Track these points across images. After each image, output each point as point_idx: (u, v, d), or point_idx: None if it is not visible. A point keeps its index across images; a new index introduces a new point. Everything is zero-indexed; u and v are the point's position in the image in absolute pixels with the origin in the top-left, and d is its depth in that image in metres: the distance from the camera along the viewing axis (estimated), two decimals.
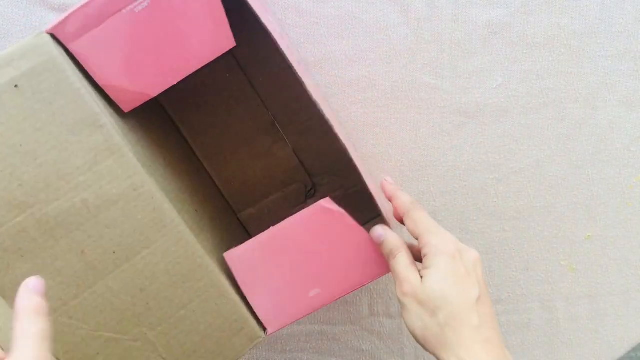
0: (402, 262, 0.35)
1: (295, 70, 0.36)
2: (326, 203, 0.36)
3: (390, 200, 0.39)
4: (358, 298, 0.52)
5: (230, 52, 0.47)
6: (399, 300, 0.35)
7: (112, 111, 0.35)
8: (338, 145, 0.37)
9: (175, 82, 0.36)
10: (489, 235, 0.52)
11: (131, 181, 0.34)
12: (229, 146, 0.50)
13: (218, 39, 0.35)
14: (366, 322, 0.53)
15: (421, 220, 0.36)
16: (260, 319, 0.38)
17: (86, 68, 0.34)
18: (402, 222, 0.39)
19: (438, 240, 0.34)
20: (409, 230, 0.36)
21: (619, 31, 0.48)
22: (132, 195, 0.34)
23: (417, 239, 0.36)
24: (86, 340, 0.35)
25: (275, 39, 0.34)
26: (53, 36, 0.33)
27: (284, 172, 0.51)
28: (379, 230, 0.37)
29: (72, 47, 0.33)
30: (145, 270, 0.35)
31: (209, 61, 0.36)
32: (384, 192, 0.39)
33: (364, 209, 0.49)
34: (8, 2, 0.45)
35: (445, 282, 0.33)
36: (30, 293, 0.28)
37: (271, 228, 0.37)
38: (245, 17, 0.38)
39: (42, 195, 0.33)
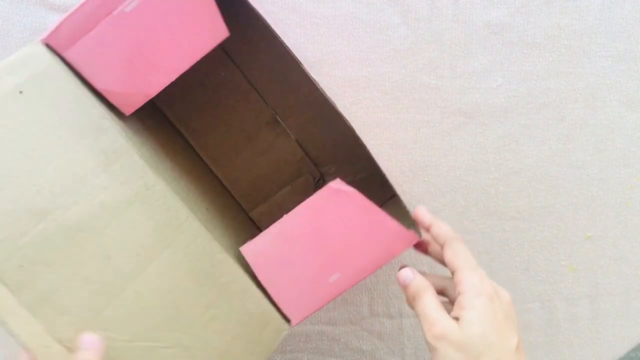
0: (430, 303, 0.33)
1: (291, 52, 0.35)
2: (336, 184, 0.35)
3: (427, 228, 0.37)
4: (358, 298, 0.52)
5: (223, 50, 0.47)
6: (429, 344, 0.32)
7: (114, 115, 0.35)
8: (343, 131, 0.36)
9: (174, 79, 0.35)
10: (489, 235, 0.52)
11: (143, 181, 0.34)
12: (232, 145, 0.50)
13: (211, 30, 0.35)
14: (366, 322, 0.53)
15: (463, 253, 0.34)
16: (283, 310, 0.38)
17: (83, 75, 0.34)
18: (426, 252, 0.37)
19: (476, 279, 0.32)
20: (446, 260, 0.34)
21: (619, 31, 0.48)
22: (146, 194, 0.34)
23: (452, 272, 0.34)
24: (125, 352, 0.33)
25: (269, 25, 0.34)
26: (48, 45, 0.33)
27: (290, 166, 0.51)
28: (407, 272, 0.35)
29: (67, 55, 0.33)
30: (169, 271, 0.34)
31: (205, 53, 0.35)
32: (420, 219, 0.37)
33: (375, 193, 0.48)
34: (8, 2, 0.45)
35: (487, 326, 0.31)
36: (82, 349, 0.30)
37: (284, 217, 0.36)
38: (235, 12, 0.38)
39: (61, 199, 0.32)
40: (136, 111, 0.37)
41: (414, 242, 0.37)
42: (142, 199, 0.34)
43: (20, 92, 0.31)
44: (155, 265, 0.34)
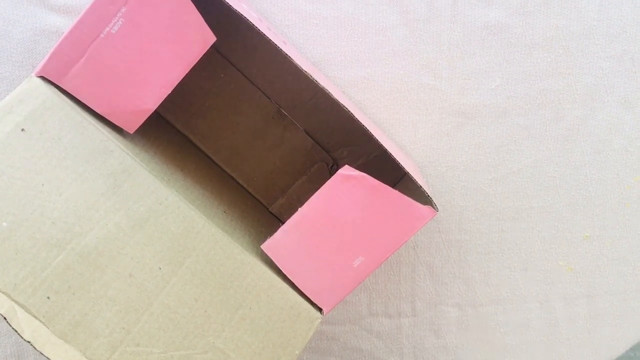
0: None
1: (278, 47, 0.36)
2: (345, 170, 0.36)
3: None
4: (357, 298, 0.52)
5: (219, 53, 0.48)
6: None
7: (118, 135, 0.36)
8: (349, 114, 0.37)
9: (170, 91, 0.36)
10: (488, 236, 0.52)
11: (155, 196, 0.34)
12: (242, 144, 0.50)
13: (198, 37, 0.35)
14: (365, 322, 0.53)
15: None
16: (313, 300, 0.38)
17: (82, 100, 0.34)
18: None
19: None
20: None
21: (617, 32, 0.48)
22: (160, 209, 0.35)
23: None
24: None
25: (251, 22, 0.34)
26: (43, 77, 0.33)
27: (302, 156, 0.51)
28: None
29: (63, 84, 0.34)
30: (193, 279, 0.35)
31: (195, 61, 0.36)
32: None
33: (390, 171, 0.49)
34: (8, 3, 0.45)
35: None
36: None
37: (299, 210, 0.37)
38: (223, 13, 0.39)
39: (77, 228, 0.33)
40: (141, 127, 0.38)
41: (431, 217, 0.37)
42: (156, 214, 0.34)
43: (22, 129, 0.32)
44: (178, 276, 0.35)
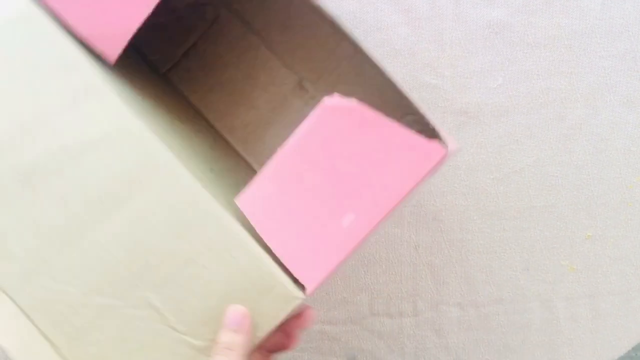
0: None
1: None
2: (331, 100, 0.28)
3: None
4: (358, 297, 0.52)
5: (243, 20, 0.44)
6: None
7: (102, 64, 0.32)
8: (379, 86, 0.30)
9: (151, 10, 0.30)
10: (489, 235, 0.52)
11: (116, 123, 0.29)
12: (260, 122, 0.46)
13: None
14: (366, 322, 0.53)
15: None
16: (294, 273, 0.29)
17: (62, 19, 0.31)
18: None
19: None
20: None
21: (619, 31, 0.48)
22: (118, 136, 0.29)
23: None
24: (75, 307, 0.29)
25: None
26: None
27: None
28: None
29: (47, 1, 0.30)
30: (140, 220, 0.29)
31: None
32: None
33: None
34: None
35: None
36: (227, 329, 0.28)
37: (277, 152, 0.29)
38: None
39: (17, 140, 0.29)
40: (150, 84, 0.33)
41: (439, 155, 0.28)
42: (113, 141, 0.29)
43: None
44: (121, 214, 0.29)
